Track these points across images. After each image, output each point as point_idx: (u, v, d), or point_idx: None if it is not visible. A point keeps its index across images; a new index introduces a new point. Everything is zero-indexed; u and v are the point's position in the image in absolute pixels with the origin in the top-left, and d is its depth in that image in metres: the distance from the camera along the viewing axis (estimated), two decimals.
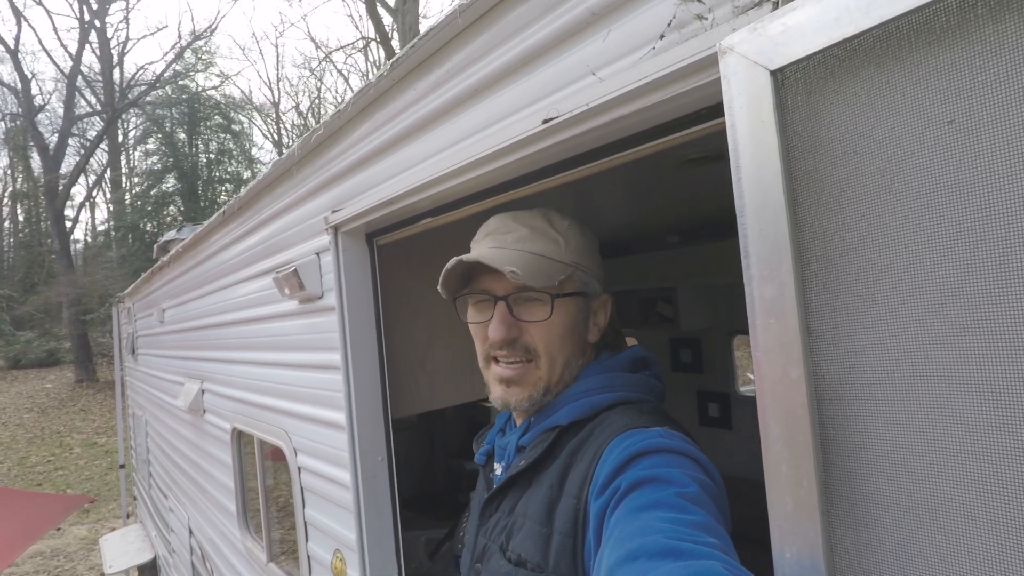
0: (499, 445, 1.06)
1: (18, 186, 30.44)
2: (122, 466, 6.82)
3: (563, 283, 0.93)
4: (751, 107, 0.55)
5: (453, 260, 0.92)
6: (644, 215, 2.72)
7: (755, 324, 0.56)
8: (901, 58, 0.47)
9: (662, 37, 0.76)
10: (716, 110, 0.70)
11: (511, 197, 1.17)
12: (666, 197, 2.28)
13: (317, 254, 1.78)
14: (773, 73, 0.54)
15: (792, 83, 0.54)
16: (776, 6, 0.61)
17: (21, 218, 31.72)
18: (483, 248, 0.98)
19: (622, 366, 0.97)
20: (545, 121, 0.92)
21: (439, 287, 0.97)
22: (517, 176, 1.10)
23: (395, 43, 14.97)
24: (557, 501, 0.83)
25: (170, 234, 4.47)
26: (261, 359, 2.34)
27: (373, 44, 19.77)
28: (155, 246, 4.69)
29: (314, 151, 1.69)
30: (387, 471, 1.68)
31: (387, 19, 15.74)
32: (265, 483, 2.51)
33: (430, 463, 4.02)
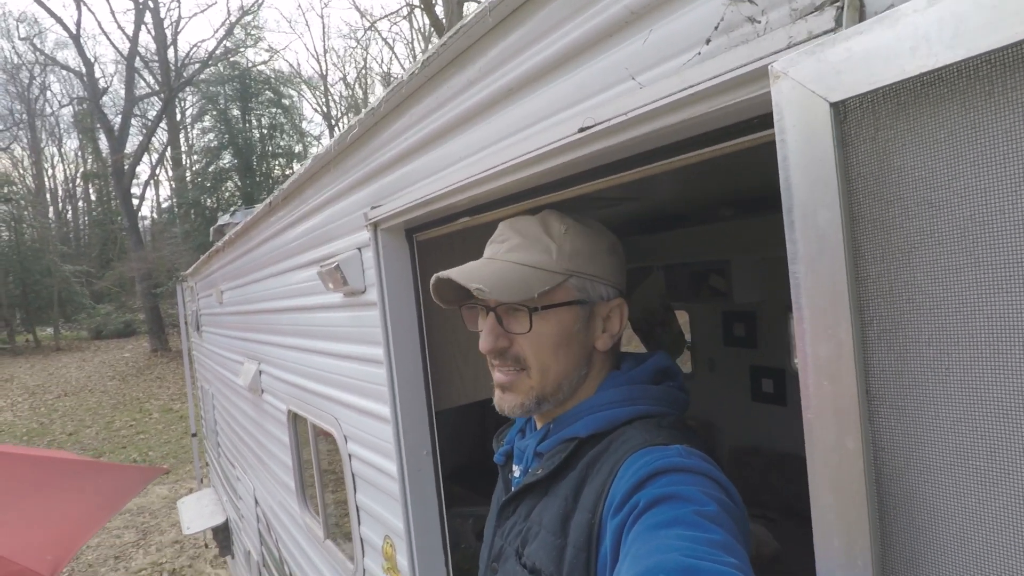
0: (518, 447, 1.06)
1: (89, 166, 32.17)
2: (194, 435, 7.25)
3: (551, 293, 0.91)
4: (807, 142, 0.48)
5: (433, 277, 0.95)
6: (697, 187, 2.61)
7: (807, 384, 0.50)
8: (992, 96, 0.39)
9: (708, 42, 0.69)
10: (767, 120, 0.63)
11: (550, 200, 1.12)
12: (720, 170, 2.16)
13: (359, 249, 1.77)
14: (834, 105, 0.46)
15: (856, 118, 0.46)
16: (840, 12, 0.53)
17: (93, 197, 33.58)
18: (482, 258, 0.99)
19: (645, 377, 0.95)
20: (582, 130, 0.86)
21: (434, 298, 1.00)
22: (554, 180, 1.05)
23: (439, 9, 14.75)
24: (572, 514, 0.83)
25: (224, 218, 4.61)
26: (312, 347, 2.39)
27: (417, 11, 19.55)
28: (211, 229, 4.85)
29: (350, 147, 1.67)
30: (432, 465, 1.70)
31: None
32: (320, 465, 2.60)
33: (481, 437, 4.08)
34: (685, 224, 3.60)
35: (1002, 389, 0.41)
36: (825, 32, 0.52)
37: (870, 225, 0.47)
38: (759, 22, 0.62)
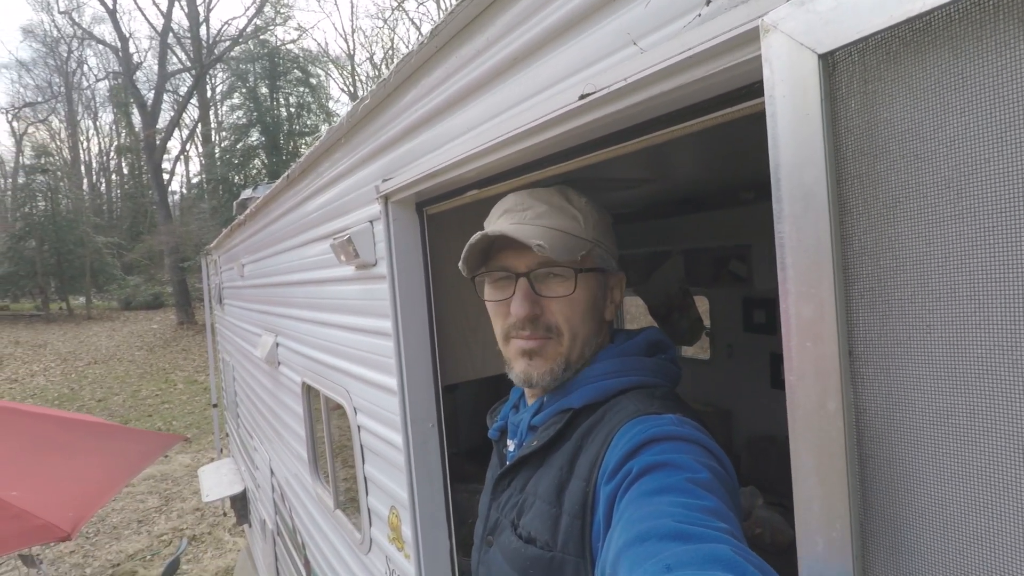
0: (512, 422, 1.07)
1: (122, 140, 32.81)
2: (215, 405, 7.42)
3: (584, 259, 0.93)
4: (795, 96, 0.47)
5: (477, 234, 0.91)
6: (717, 168, 2.56)
7: (790, 345, 0.49)
8: (982, 40, 0.38)
9: (708, 2, 0.67)
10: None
11: (558, 171, 1.11)
12: (740, 150, 2.12)
13: (370, 222, 1.78)
14: (823, 57, 0.45)
15: (845, 69, 0.45)
16: None
17: (126, 171, 34.26)
18: (503, 224, 0.96)
19: (638, 349, 0.96)
20: (582, 96, 0.85)
21: (460, 264, 0.95)
22: (559, 151, 1.05)
23: None
24: (567, 483, 0.84)
25: (247, 192, 4.67)
26: (325, 320, 2.42)
27: None
28: (235, 203, 4.92)
29: (362, 120, 1.67)
30: (437, 437, 1.71)
31: None
32: (331, 437, 2.64)
33: None
34: (706, 207, 3.54)
35: (984, 346, 0.40)
36: None
37: (856, 181, 0.45)
38: None
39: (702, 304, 3.96)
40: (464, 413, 3.73)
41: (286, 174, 2.59)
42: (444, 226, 1.76)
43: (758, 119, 1.27)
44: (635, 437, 0.76)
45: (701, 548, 0.54)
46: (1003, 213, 0.38)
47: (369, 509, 2.11)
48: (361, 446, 2.10)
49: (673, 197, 3.28)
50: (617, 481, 0.74)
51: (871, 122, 0.44)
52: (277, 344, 3.40)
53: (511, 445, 1.05)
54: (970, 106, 0.39)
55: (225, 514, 7.05)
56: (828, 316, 0.47)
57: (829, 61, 0.46)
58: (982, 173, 0.39)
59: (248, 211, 3.74)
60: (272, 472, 4.07)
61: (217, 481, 6.06)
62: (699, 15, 0.68)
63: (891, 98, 0.43)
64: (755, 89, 0.66)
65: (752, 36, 0.57)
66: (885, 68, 0.43)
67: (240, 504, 5.80)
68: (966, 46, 0.38)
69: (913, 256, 0.43)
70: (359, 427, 2.10)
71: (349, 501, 2.56)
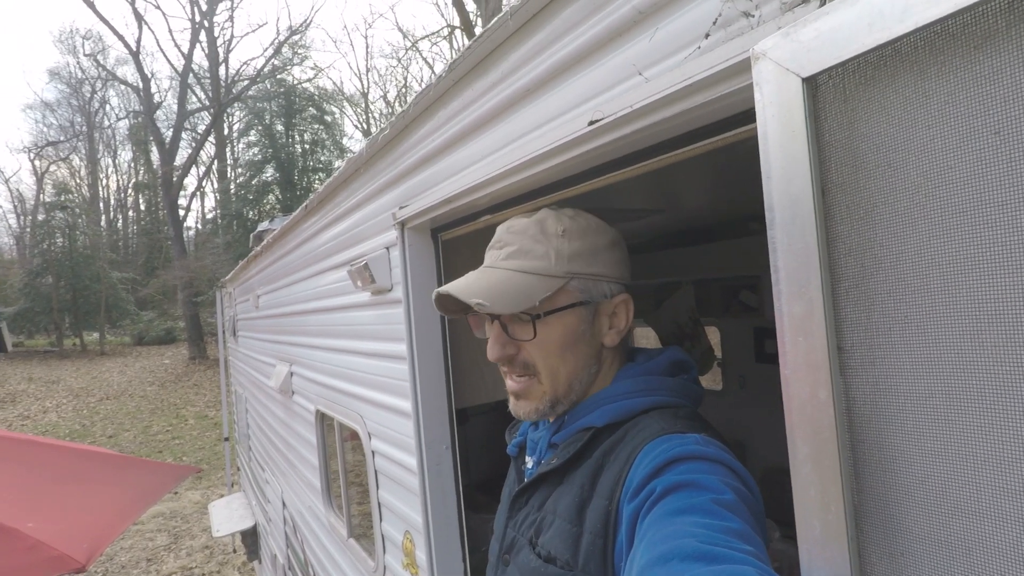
0: (531, 438, 1.06)
1: (140, 177, 33.62)
2: (226, 439, 7.43)
3: (553, 298, 0.91)
4: (782, 116, 0.53)
5: (434, 292, 0.95)
6: (725, 198, 2.62)
7: (784, 341, 0.54)
8: (942, 64, 0.43)
9: (707, 36, 0.74)
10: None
11: (566, 195, 1.17)
12: (744, 180, 2.18)
13: (387, 248, 1.85)
14: (806, 80, 0.51)
15: (826, 91, 0.51)
16: (823, 3, 0.57)
17: (143, 207, 34.98)
18: (481, 267, 0.98)
19: (660, 369, 0.96)
20: (591, 123, 0.92)
21: (438, 310, 1.00)
22: (569, 176, 1.11)
23: (478, 30, 15.12)
24: (588, 501, 0.83)
25: (264, 224, 4.79)
26: (339, 346, 2.47)
27: (457, 32, 20.05)
28: (251, 236, 5.03)
29: (381, 150, 1.75)
30: (451, 459, 1.74)
31: (471, 6, 15.90)
32: (345, 464, 2.66)
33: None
34: (715, 238, 3.59)
35: (955, 332, 0.45)
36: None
37: (839, 189, 0.51)
38: (752, 16, 0.67)
39: (713, 335, 3.98)
40: (475, 445, 3.73)
41: (304, 204, 2.68)
42: (458, 251, 1.82)
43: (756, 148, 1.33)
44: (659, 456, 0.76)
45: (725, 570, 0.53)
46: (964, 213, 0.43)
47: (383, 535, 2.12)
48: (376, 471, 2.13)
49: (682, 228, 3.33)
50: (640, 500, 0.73)
51: (850, 137, 0.49)
52: (291, 373, 3.45)
53: (530, 462, 1.04)
54: (934, 120, 0.44)
55: (235, 551, 6.98)
56: (817, 313, 0.52)
57: (812, 84, 0.51)
58: (944, 178, 0.44)
59: (264, 243, 3.84)
60: (284, 504, 4.07)
61: (228, 516, 6.03)
62: (699, 47, 0.75)
63: (867, 115, 0.48)
64: (749, 115, 0.72)
65: (745, 65, 0.63)
66: (861, 89, 0.48)
67: (251, 540, 5.76)
68: (928, 68, 0.44)
69: (890, 255, 0.48)
70: (373, 452, 2.13)
71: (361, 536, 2.56)
